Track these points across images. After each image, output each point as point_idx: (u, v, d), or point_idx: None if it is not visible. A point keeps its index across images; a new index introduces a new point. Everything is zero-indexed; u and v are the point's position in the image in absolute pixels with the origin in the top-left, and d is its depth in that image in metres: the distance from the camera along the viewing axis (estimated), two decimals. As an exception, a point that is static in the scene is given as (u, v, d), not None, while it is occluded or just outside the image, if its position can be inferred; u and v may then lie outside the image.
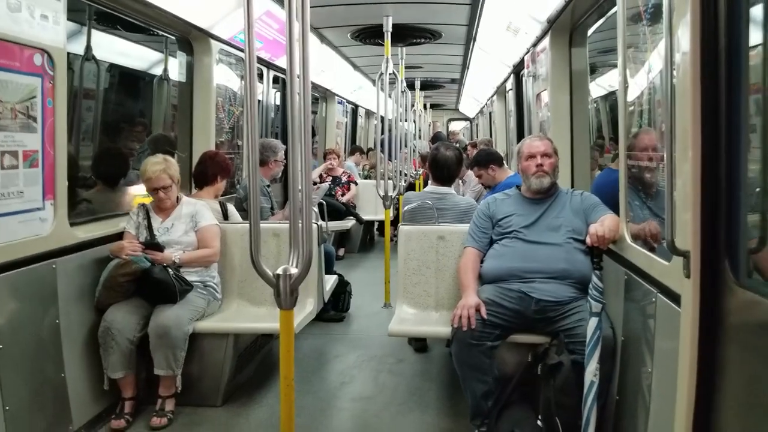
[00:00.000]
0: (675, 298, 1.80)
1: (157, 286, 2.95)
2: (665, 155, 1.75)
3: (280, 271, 1.86)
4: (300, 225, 1.85)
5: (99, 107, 4.00)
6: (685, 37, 1.65)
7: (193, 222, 3.22)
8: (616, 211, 2.52)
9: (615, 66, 2.53)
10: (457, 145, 12.81)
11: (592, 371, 2.32)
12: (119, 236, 3.11)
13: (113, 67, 4.14)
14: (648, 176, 2.15)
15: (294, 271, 1.84)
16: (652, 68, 2.03)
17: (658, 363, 1.97)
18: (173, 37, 4.15)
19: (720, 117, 1.60)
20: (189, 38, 4.13)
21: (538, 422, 2.47)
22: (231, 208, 3.73)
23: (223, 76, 4.42)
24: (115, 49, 4.15)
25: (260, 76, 6.03)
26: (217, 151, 3.98)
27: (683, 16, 1.65)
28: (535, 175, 2.90)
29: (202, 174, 3.70)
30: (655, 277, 1.99)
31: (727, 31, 1.57)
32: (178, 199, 3.26)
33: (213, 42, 4.16)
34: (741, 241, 1.59)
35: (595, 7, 3.31)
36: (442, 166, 3.79)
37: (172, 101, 4.54)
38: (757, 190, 1.62)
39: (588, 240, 2.53)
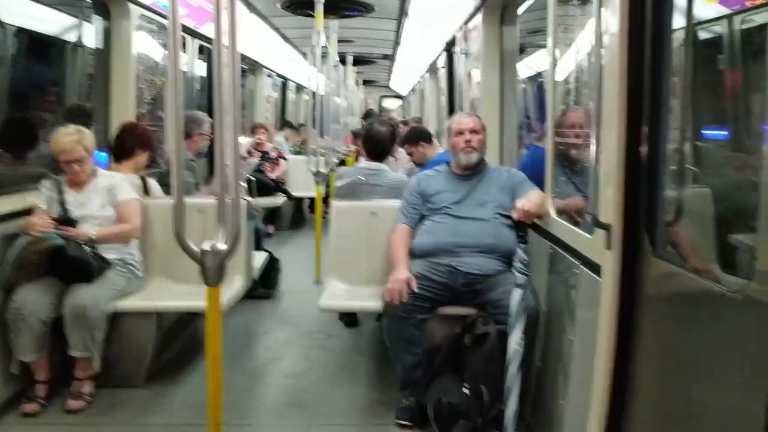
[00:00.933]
0: (596, 269, 1.88)
1: (71, 264, 2.78)
2: (592, 133, 1.80)
3: (207, 246, 1.79)
4: (228, 200, 1.79)
5: (5, 75, 3.70)
6: (613, 19, 1.70)
7: (110, 196, 3.04)
8: (542, 187, 2.60)
9: (545, 46, 2.58)
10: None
11: (516, 340, 2.41)
12: (29, 212, 2.91)
13: (21, 32, 3.83)
14: (573, 153, 2.21)
15: (222, 247, 1.78)
16: (581, 49, 2.08)
17: (580, 331, 2.06)
18: (88, 1, 3.88)
19: (644, 97, 1.67)
20: (105, 1, 3.87)
21: (465, 390, 2.54)
22: (153, 182, 3.55)
23: (145, 44, 4.18)
24: (24, 13, 3.84)
25: (183, 45, 5.77)
26: (137, 122, 3.78)
27: (612, -2, 1.69)
28: (463, 150, 2.94)
29: (121, 147, 3.50)
30: (578, 250, 2.07)
31: (653, 14, 1.63)
32: (94, 172, 3.07)
33: (132, 7, 3.92)
34: (659, 214, 1.67)
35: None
36: (377, 142, 3.79)
37: (89, 70, 4.26)
38: (673, 168, 1.71)
39: (514, 215, 2.60)
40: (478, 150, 2.95)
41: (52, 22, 4.21)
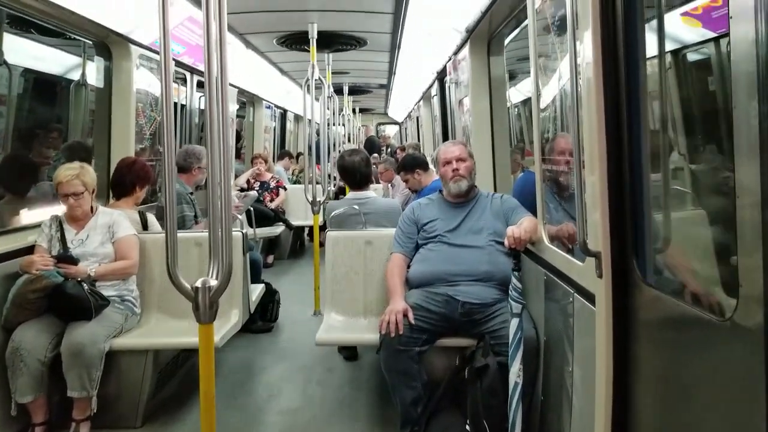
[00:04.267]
0: (590, 297, 1.87)
1: (70, 302, 2.79)
2: (574, 160, 1.82)
3: (198, 283, 1.79)
4: (220, 234, 1.79)
5: (11, 113, 3.77)
6: (588, 48, 1.73)
7: (109, 233, 3.08)
8: (536, 212, 2.60)
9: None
10: (388, 149, 12.93)
11: (515, 372, 2.37)
12: (30, 250, 2.93)
13: (27, 72, 3.91)
14: (562, 179, 2.23)
15: (213, 282, 1.78)
16: (562, 76, 2.11)
17: (578, 361, 2.04)
18: (90, 42, 3.97)
19: (622, 122, 1.69)
20: (107, 42, 3.97)
21: (467, 427, 2.50)
22: (151, 217, 3.58)
23: (144, 81, 4.26)
24: (30, 54, 3.94)
25: (183, 80, 5.86)
26: (135, 158, 3.82)
27: (586, 28, 1.73)
28: (452, 179, 2.97)
29: (120, 183, 3.54)
30: (572, 278, 2.07)
31: (625, 42, 1.66)
32: (94, 210, 3.11)
33: (132, 47, 4.01)
34: (646, 241, 1.68)
35: (511, 17, 3.43)
36: (352, 172, 3.82)
37: (91, 107, 4.34)
38: (659, 194, 1.72)
39: (506, 242, 2.60)
40: (467, 177, 2.97)
41: (56, 62, 4.31)
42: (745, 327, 1.20)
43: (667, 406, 1.59)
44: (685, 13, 1.77)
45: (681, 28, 1.78)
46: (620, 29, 1.66)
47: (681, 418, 1.52)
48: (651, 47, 1.65)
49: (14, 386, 2.67)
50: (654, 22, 1.66)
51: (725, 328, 1.26)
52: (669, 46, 1.75)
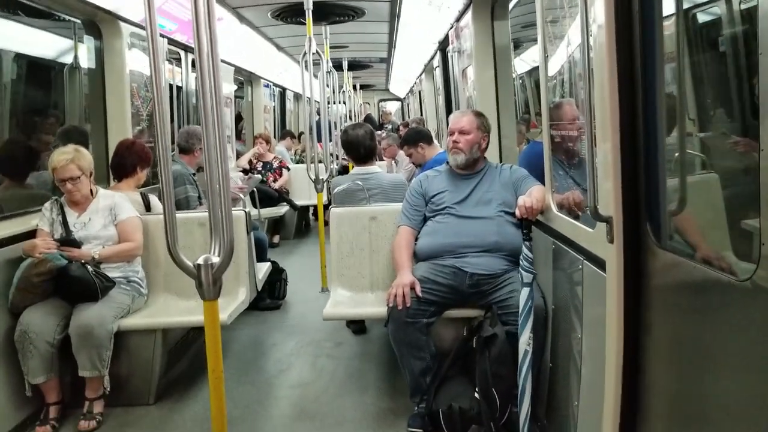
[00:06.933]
0: (600, 264, 1.84)
1: (75, 284, 2.79)
2: (585, 126, 1.77)
3: (201, 260, 1.77)
4: (220, 211, 1.76)
5: (5, 99, 3.71)
6: (600, 9, 1.66)
7: (111, 215, 3.06)
8: (544, 182, 2.56)
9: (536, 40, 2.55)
10: (390, 126, 12.85)
11: (525, 341, 2.36)
12: (32, 234, 2.92)
13: (19, 57, 3.85)
14: (570, 147, 2.18)
15: (215, 260, 1.75)
16: (571, 41, 2.05)
17: (588, 328, 2.02)
18: (79, 22, 3.89)
19: (637, 86, 1.63)
20: (96, 21, 3.89)
21: (476, 395, 2.50)
22: (154, 198, 3.55)
23: (138, 61, 4.19)
24: (19, 38, 3.86)
25: (179, 60, 5.77)
26: (134, 140, 3.78)
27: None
28: (451, 151, 2.92)
29: (120, 165, 3.52)
30: (581, 245, 2.03)
31: (640, 2, 1.59)
32: (94, 193, 3.08)
33: (123, 25, 3.93)
34: (660, 204, 1.63)
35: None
36: (356, 146, 3.76)
37: (86, 90, 4.28)
38: (676, 155, 1.67)
39: (517, 212, 2.56)
40: (465, 151, 2.88)
41: (47, 46, 4.23)
42: (766, 288, 1.16)
43: (682, 372, 1.56)
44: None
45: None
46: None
47: (697, 384, 1.49)
48: (668, 5, 1.58)
49: (26, 368, 2.69)
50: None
51: (745, 289, 1.23)
52: (688, 3, 1.69)
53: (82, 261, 2.84)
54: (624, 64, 1.63)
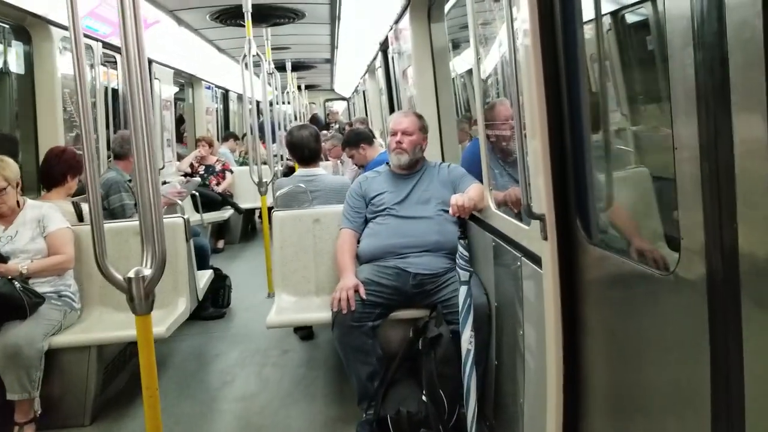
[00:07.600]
0: (537, 260, 1.86)
1: (1, 301, 2.64)
2: (516, 125, 1.79)
3: (131, 273, 1.69)
4: (151, 220, 1.69)
5: None
6: (524, 12, 1.69)
7: (40, 227, 2.92)
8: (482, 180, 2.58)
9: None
10: (337, 126, 12.79)
11: (467, 339, 2.36)
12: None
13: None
14: (506, 145, 2.21)
15: (147, 272, 1.68)
16: (502, 42, 2.07)
17: (529, 325, 2.04)
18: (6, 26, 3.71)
19: (561, 85, 1.66)
20: (25, 26, 3.72)
21: (423, 397, 2.49)
22: (86, 207, 3.41)
23: (71, 66, 4.02)
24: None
25: (114, 63, 5.59)
26: (64, 147, 3.62)
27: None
28: (394, 151, 2.92)
29: (49, 174, 3.37)
30: (519, 242, 2.06)
31: (561, 6, 1.63)
32: (21, 204, 2.93)
33: (53, 29, 3.77)
34: (589, 201, 1.67)
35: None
36: (300, 147, 3.73)
37: (16, 96, 4.07)
38: (600, 155, 1.71)
39: (450, 210, 2.56)
40: (408, 152, 2.89)
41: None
42: (687, 279, 1.20)
43: (614, 362, 1.60)
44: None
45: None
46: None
47: (628, 373, 1.53)
48: (588, 9, 1.62)
49: (-51, 393, 2.53)
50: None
51: (669, 282, 1.26)
52: (606, 8, 1.73)
53: (9, 277, 2.70)
54: (549, 66, 1.66)
